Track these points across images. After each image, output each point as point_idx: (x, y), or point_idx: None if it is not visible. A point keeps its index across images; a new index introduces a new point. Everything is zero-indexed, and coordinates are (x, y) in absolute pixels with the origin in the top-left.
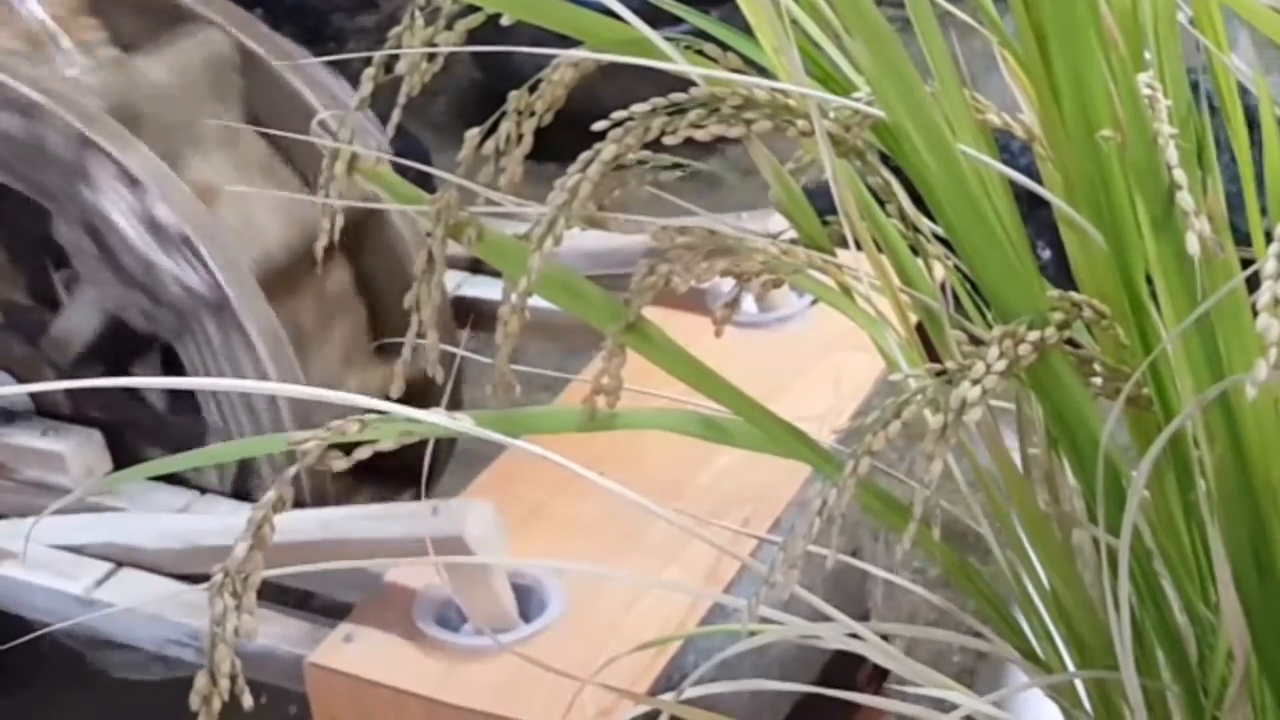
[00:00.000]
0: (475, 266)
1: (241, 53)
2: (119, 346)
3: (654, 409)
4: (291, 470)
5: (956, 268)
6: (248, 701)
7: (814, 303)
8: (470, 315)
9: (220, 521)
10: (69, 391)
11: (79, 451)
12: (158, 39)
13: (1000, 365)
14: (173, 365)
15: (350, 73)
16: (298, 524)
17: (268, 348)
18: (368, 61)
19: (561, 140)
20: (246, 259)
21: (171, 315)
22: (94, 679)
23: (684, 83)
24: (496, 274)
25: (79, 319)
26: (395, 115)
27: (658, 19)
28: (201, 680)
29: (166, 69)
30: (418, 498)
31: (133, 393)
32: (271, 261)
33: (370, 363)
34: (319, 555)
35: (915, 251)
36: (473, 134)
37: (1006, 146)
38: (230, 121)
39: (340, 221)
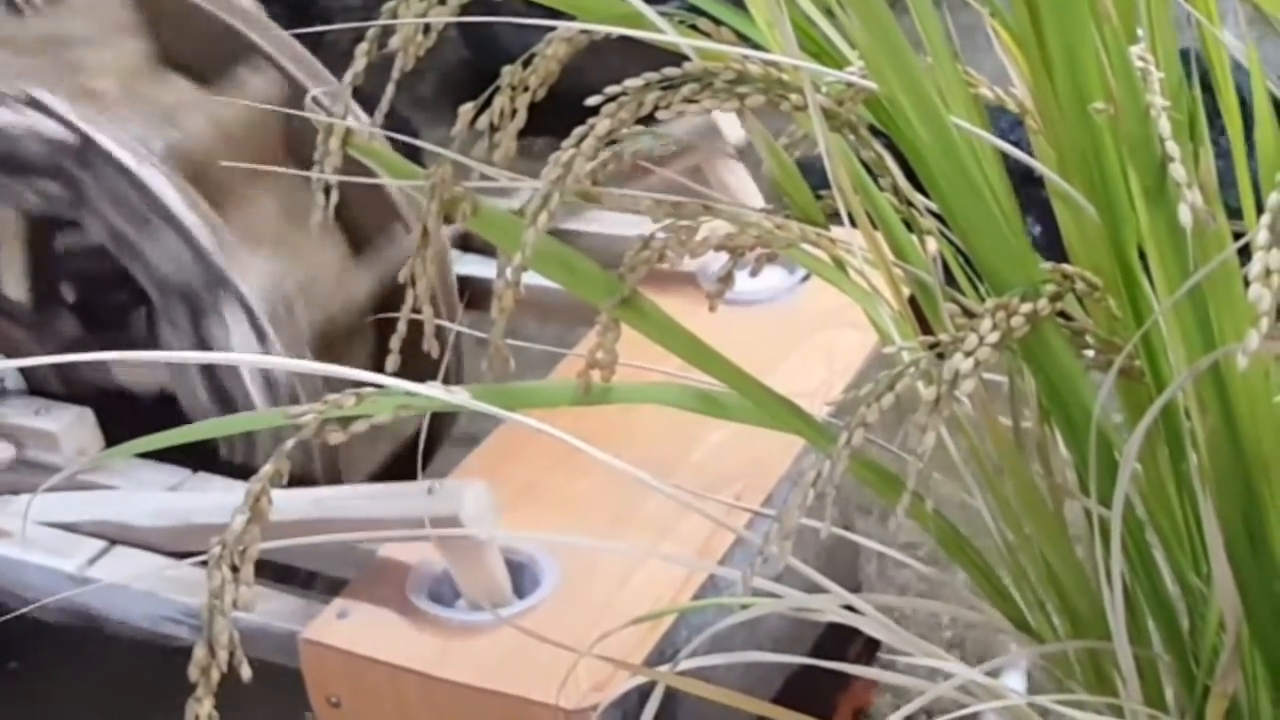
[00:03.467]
0: (465, 244)
1: (292, 87)
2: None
3: (649, 383)
4: (289, 443)
5: (949, 241)
6: (246, 673)
7: (804, 279)
8: (462, 293)
9: (213, 498)
10: (61, 372)
11: (71, 430)
12: (209, 68)
13: (993, 337)
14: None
15: (339, 51)
16: (291, 503)
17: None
18: (357, 38)
19: (548, 118)
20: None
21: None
22: (88, 654)
23: (672, 62)
24: (485, 252)
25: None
26: (389, 89)
27: None
28: (200, 652)
29: (224, 111)
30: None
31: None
32: (326, 327)
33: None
34: (313, 533)
35: (908, 226)
36: (467, 109)
37: (996, 122)
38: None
39: (335, 197)
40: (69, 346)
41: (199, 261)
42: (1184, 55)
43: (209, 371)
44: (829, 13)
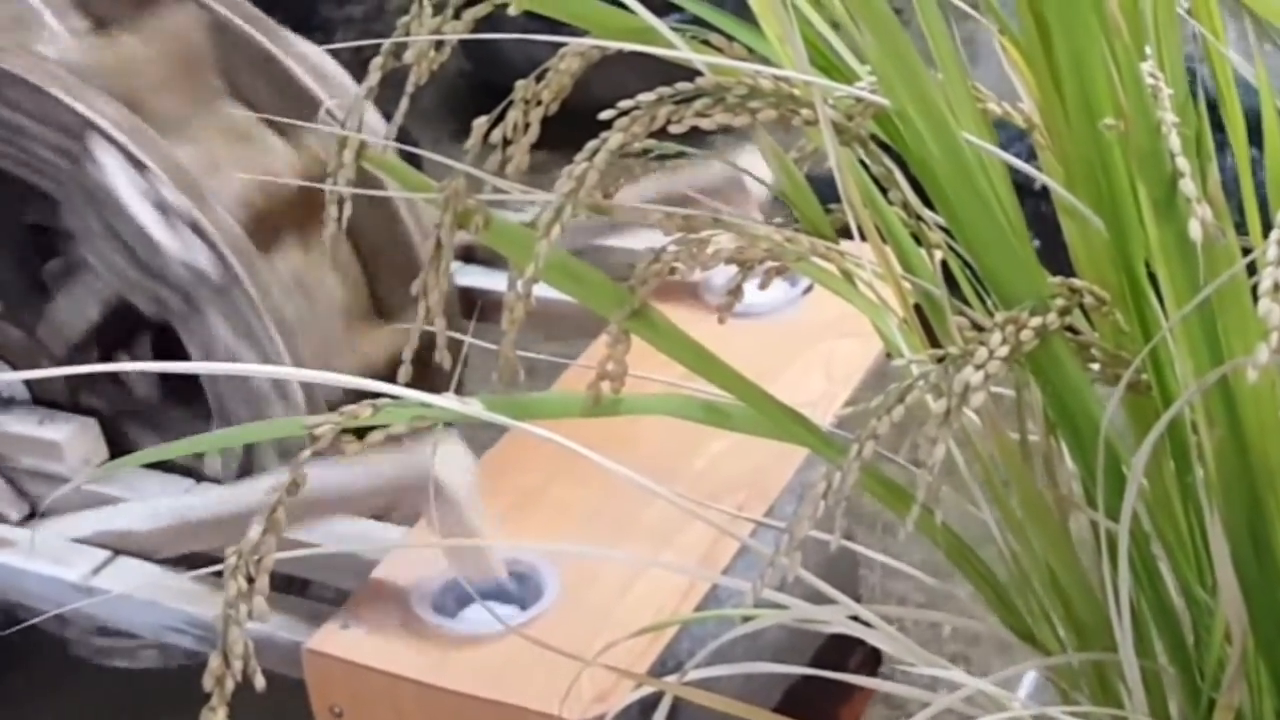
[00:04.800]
0: (468, 255)
1: (216, 25)
2: (115, 336)
3: (656, 394)
4: (305, 454)
5: (956, 254)
6: (260, 683)
7: (806, 291)
8: (468, 305)
9: (207, 497)
10: (66, 380)
11: (76, 440)
12: (134, 16)
13: (1003, 351)
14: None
15: (340, 61)
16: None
17: (278, 331)
18: (354, 54)
19: (553, 130)
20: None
21: (179, 298)
22: (88, 667)
23: (674, 75)
24: (489, 263)
25: (76, 308)
26: (403, 104)
27: (654, 5)
28: (215, 661)
29: (147, 44)
30: None
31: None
32: (251, 202)
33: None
34: (291, 516)
35: (916, 240)
36: (480, 122)
37: (999, 135)
38: (211, 88)
39: (349, 210)
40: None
41: (64, 114)
42: (1189, 69)
43: (106, 225)
44: (836, 24)
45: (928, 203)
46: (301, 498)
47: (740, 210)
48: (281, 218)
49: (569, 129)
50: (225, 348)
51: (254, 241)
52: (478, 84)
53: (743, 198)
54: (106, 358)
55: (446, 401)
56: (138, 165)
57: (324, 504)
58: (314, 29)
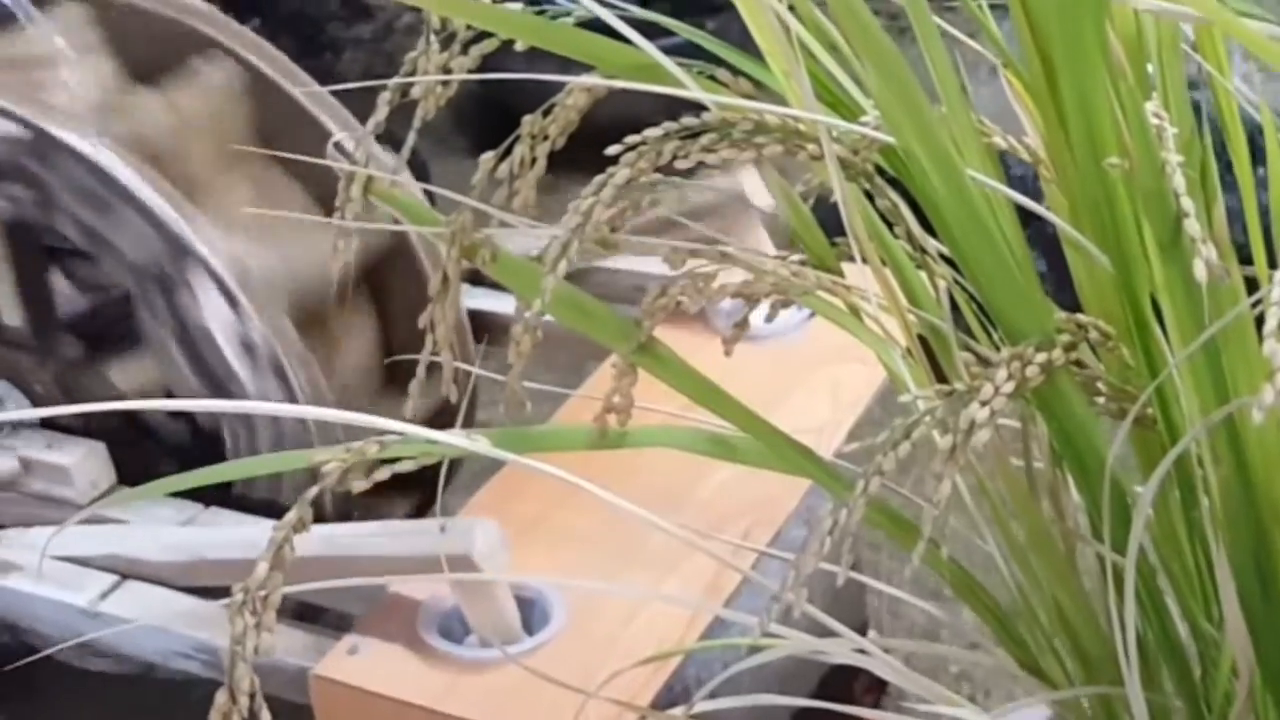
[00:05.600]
0: (475, 279)
1: (254, 79)
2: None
3: (662, 426)
4: (312, 491)
5: (961, 287)
6: (266, 718)
7: (812, 315)
8: (477, 328)
9: (224, 534)
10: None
11: (84, 464)
12: (172, 70)
13: (1008, 387)
14: None
15: (347, 82)
16: (303, 540)
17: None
18: (363, 73)
19: (559, 150)
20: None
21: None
22: (94, 685)
23: (684, 102)
24: (497, 285)
25: (123, 378)
26: (410, 139)
27: (649, 31)
28: (221, 698)
29: (182, 102)
30: (420, 509)
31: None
32: (305, 300)
33: (380, 394)
34: (325, 571)
35: (923, 271)
36: (487, 158)
37: (1004, 160)
38: (246, 149)
39: (357, 245)
40: (70, 367)
41: (162, 236)
42: (1193, 93)
43: (189, 349)
44: (835, 50)
45: (933, 233)
46: (341, 557)
47: (743, 228)
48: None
49: (575, 151)
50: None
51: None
52: (486, 103)
53: (746, 217)
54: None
55: (453, 437)
56: (231, 301)
57: (364, 569)
58: (322, 48)
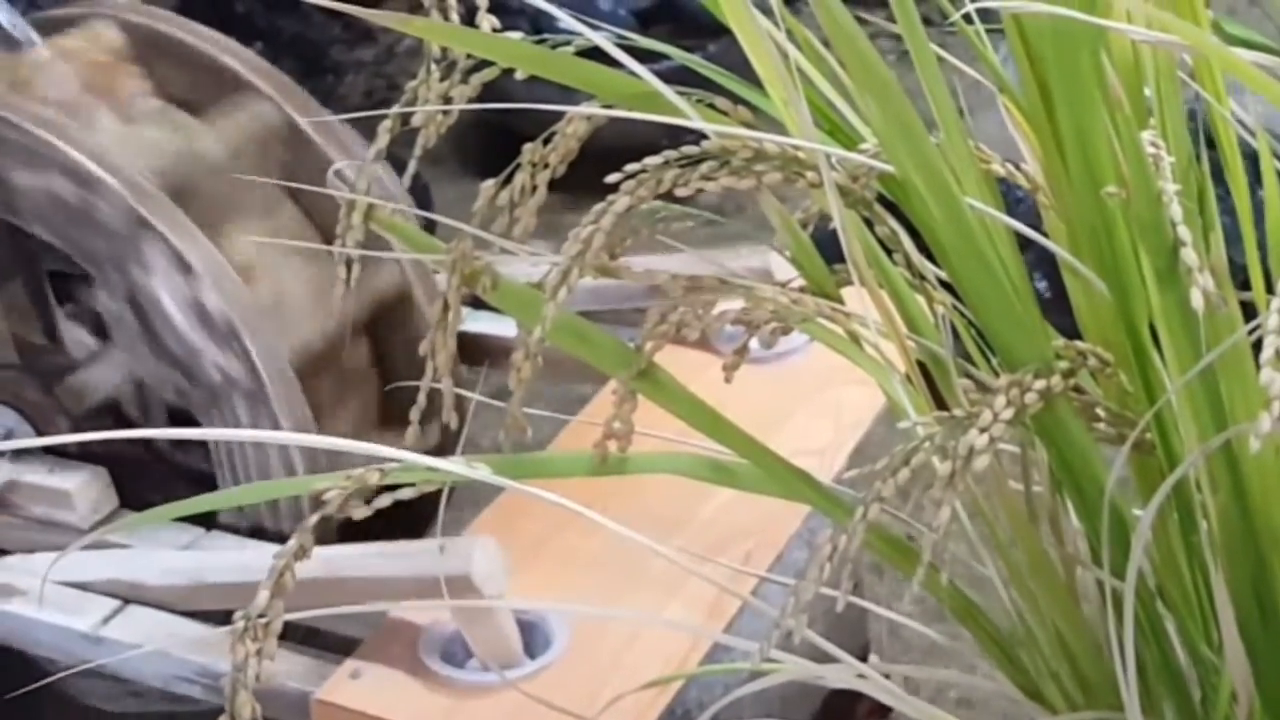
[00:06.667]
0: (476, 302)
1: (289, 126)
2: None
3: (663, 453)
4: (313, 518)
5: (960, 312)
6: None
7: (813, 338)
8: (477, 352)
9: (225, 558)
10: (77, 428)
11: (86, 489)
12: (209, 105)
13: (1007, 414)
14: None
15: (348, 105)
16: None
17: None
18: (364, 97)
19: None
20: (285, 347)
21: (205, 395)
22: (92, 712)
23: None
24: (496, 309)
25: (100, 380)
26: (411, 166)
27: (649, 56)
28: None
29: (218, 139)
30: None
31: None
32: (308, 348)
33: (378, 434)
34: (324, 593)
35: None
36: (488, 185)
37: (1004, 184)
38: (271, 192)
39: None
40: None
41: (119, 213)
42: (1190, 112)
43: (143, 323)
44: (832, 75)
45: (932, 260)
46: (341, 578)
47: None
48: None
49: (575, 171)
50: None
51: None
52: (486, 125)
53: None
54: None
55: (453, 465)
56: (184, 268)
57: (362, 590)
58: (325, 71)
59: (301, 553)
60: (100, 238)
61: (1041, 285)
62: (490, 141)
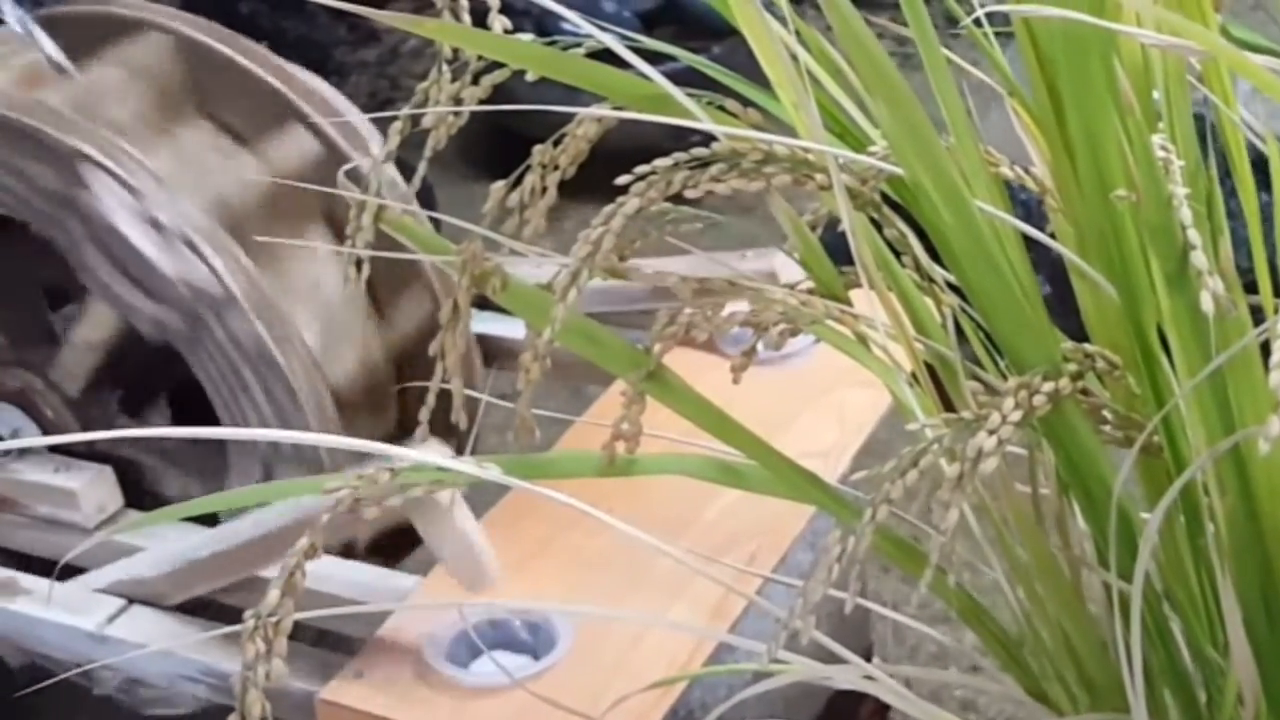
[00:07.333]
0: (483, 303)
1: (330, 150)
2: (131, 379)
3: (671, 454)
4: (325, 517)
5: (968, 314)
6: None
7: (819, 339)
8: (485, 353)
9: (205, 535)
10: (82, 425)
11: (91, 488)
12: (263, 135)
13: (1016, 416)
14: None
15: (355, 101)
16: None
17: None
18: (368, 98)
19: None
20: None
21: (179, 317)
22: (99, 710)
23: (691, 128)
24: (504, 309)
25: (84, 343)
26: (421, 167)
27: (656, 57)
28: None
29: (264, 167)
30: None
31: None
32: (353, 385)
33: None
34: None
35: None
36: (498, 187)
37: (1010, 185)
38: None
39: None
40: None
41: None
42: (1198, 116)
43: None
44: (840, 76)
45: (940, 262)
46: (303, 518)
47: None
48: (269, 222)
49: (584, 172)
50: (231, 365)
51: (244, 248)
52: (493, 126)
53: None
54: (126, 397)
55: (464, 465)
56: (129, 188)
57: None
58: (329, 73)
59: (312, 551)
60: (45, 179)
61: (1046, 289)
62: (492, 143)
